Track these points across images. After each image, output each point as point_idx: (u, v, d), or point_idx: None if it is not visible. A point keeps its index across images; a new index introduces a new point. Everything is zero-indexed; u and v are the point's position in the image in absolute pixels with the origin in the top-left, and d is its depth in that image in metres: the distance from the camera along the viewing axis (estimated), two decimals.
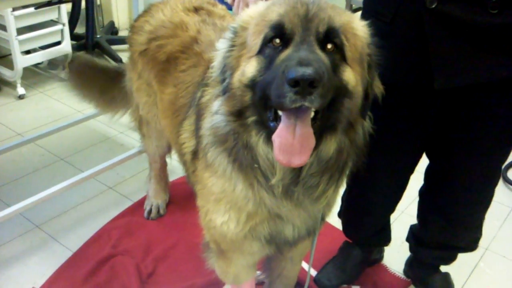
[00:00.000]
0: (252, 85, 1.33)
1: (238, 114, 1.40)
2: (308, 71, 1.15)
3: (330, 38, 1.30)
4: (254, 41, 1.35)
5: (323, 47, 1.29)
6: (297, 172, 1.43)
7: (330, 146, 1.41)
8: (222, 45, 1.46)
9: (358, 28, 1.40)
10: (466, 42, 1.59)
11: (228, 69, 1.41)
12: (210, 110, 1.52)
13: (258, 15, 1.38)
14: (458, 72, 1.63)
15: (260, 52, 1.33)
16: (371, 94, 1.46)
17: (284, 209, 1.54)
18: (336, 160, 1.44)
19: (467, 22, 1.56)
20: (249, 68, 1.34)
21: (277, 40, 1.30)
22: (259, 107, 1.35)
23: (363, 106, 1.43)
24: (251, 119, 1.39)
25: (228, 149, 1.48)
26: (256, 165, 1.43)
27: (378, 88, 1.49)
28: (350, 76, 1.33)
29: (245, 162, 1.45)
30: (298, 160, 1.29)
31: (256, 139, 1.40)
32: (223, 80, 1.43)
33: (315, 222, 1.69)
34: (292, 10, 1.31)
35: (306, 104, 1.20)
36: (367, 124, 1.52)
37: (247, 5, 1.66)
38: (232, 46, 1.42)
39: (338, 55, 1.32)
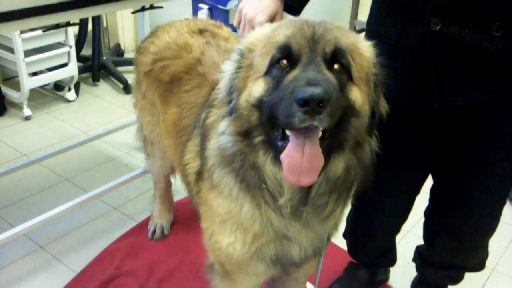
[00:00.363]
0: (259, 105, 1.35)
1: (245, 134, 1.41)
2: (316, 90, 1.17)
3: (337, 58, 1.32)
4: (262, 62, 1.36)
5: (330, 68, 1.31)
6: (305, 192, 1.42)
7: (338, 165, 1.41)
8: (228, 67, 1.48)
9: (364, 48, 1.42)
10: (467, 64, 1.60)
11: (235, 90, 1.42)
12: (217, 131, 1.53)
13: (265, 37, 1.40)
14: (457, 93, 1.64)
15: (267, 73, 1.34)
16: (377, 113, 1.47)
17: (292, 229, 1.53)
18: (344, 179, 1.45)
19: (470, 45, 1.57)
20: (256, 88, 1.35)
21: (284, 61, 1.32)
22: (267, 126, 1.36)
23: (370, 124, 1.44)
24: (258, 139, 1.39)
25: (235, 170, 1.48)
26: (264, 185, 1.43)
27: (383, 106, 1.50)
28: (357, 95, 1.35)
29: (253, 183, 1.45)
30: (307, 179, 1.29)
31: (264, 159, 1.40)
32: (230, 101, 1.44)
33: (322, 242, 1.68)
34: (298, 31, 1.33)
35: (315, 123, 1.21)
36: (374, 142, 1.52)
37: (252, 28, 1.68)
38: (239, 67, 1.43)
39: (345, 75, 1.34)
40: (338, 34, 1.34)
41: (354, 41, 1.39)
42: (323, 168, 1.34)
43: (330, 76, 1.28)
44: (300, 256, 1.66)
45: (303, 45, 1.31)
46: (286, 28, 1.36)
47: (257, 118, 1.37)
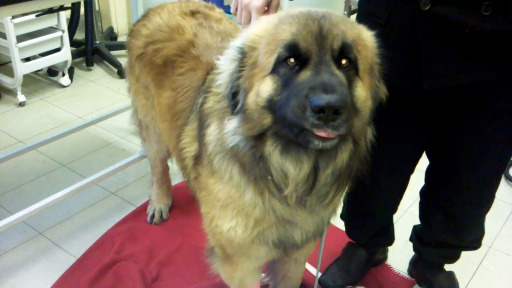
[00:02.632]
0: (269, 106, 1.31)
1: (259, 136, 1.38)
2: (333, 99, 1.16)
3: (345, 53, 1.30)
4: (267, 60, 1.32)
5: (338, 64, 1.29)
6: (311, 183, 1.42)
7: (344, 156, 1.42)
8: (226, 64, 1.43)
9: (368, 39, 1.41)
10: (457, 44, 1.60)
11: (240, 89, 1.39)
12: (224, 130, 1.48)
13: (267, 34, 1.35)
14: (446, 73, 1.64)
15: (273, 71, 1.31)
16: (377, 99, 1.47)
17: (299, 217, 1.55)
18: (346, 168, 1.45)
19: (459, 25, 1.57)
20: (264, 87, 1.32)
21: (292, 60, 1.29)
22: (283, 125, 1.32)
23: (369, 117, 1.43)
24: (270, 132, 1.37)
25: (241, 162, 1.46)
26: (270, 177, 1.42)
27: (382, 91, 1.49)
28: (361, 92, 1.34)
29: (259, 174, 1.43)
30: None
31: (271, 150, 1.38)
32: (235, 104, 1.40)
33: (323, 225, 1.71)
34: (304, 28, 1.29)
35: (329, 130, 1.20)
36: (369, 132, 1.52)
37: (249, 13, 1.66)
38: (242, 66, 1.39)
39: (352, 70, 1.32)
40: (344, 28, 1.31)
41: (358, 33, 1.37)
42: (333, 160, 1.37)
43: (341, 77, 1.26)
44: (302, 239, 1.68)
45: (311, 42, 1.27)
46: (290, 24, 1.32)
47: (270, 120, 1.34)
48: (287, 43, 1.29)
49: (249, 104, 1.35)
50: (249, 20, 1.67)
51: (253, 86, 1.35)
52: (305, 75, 1.25)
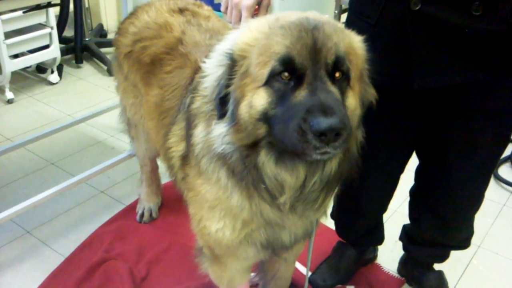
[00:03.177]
0: (265, 118, 1.30)
1: (252, 145, 1.37)
2: (334, 122, 1.16)
3: (338, 67, 1.29)
4: (260, 71, 1.30)
5: (332, 78, 1.28)
6: (301, 189, 1.42)
7: (333, 164, 1.42)
8: (214, 69, 1.41)
9: (358, 46, 1.40)
10: (447, 44, 1.60)
11: (231, 98, 1.36)
12: (212, 134, 1.46)
13: (259, 44, 1.32)
14: (436, 73, 1.65)
15: (267, 83, 1.29)
16: (366, 102, 1.46)
17: (289, 221, 1.56)
18: (335, 174, 1.46)
19: (449, 25, 1.57)
20: (259, 100, 1.30)
21: (286, 74, 1.27)
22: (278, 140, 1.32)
23: (358, 121, 1.44)
24: (264, 142, 1.36)
25: (230, 167, 1.45)
26: (263, 185, 1.41)
27: (372, 94, 1.49)
28: (352, 101, 1.34)
29: (252, 182, 1.42)
30: None
31: (265, 159, 1.37)
32: (224, 112, 1.39)
33: (312, 226, 1.71)
34: (298, 41, 1.27)
35: (329, 150, 1.21)
36: (359, 135, 1.52)
37: (239, 12, 1.64)
38: (231, 74, 1.36)
39: (345, 81, 1.32)
40: (337, 39, 1.29)
41: (350, 42, 1.36)
42: (320, 168, 1.39)
43: (336, 93, 1.26)
44: (290, 241, 1.68)
45: (306, 56, 1.25)
46: (282, 36, 1.28)
47: (265, 131, 1.32)
48: (281, 56, 1.27)
49: (242, 115, 1.33)
50: (239, 19, 1.66)
51: (244, 96, 1.33)
52: (301, 94, 1.24)
